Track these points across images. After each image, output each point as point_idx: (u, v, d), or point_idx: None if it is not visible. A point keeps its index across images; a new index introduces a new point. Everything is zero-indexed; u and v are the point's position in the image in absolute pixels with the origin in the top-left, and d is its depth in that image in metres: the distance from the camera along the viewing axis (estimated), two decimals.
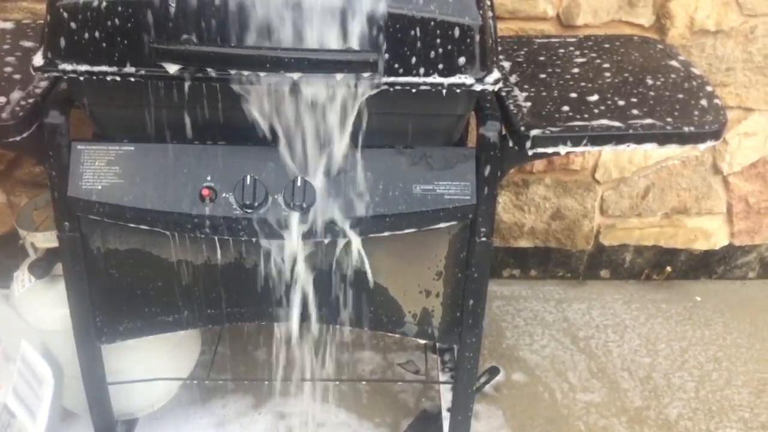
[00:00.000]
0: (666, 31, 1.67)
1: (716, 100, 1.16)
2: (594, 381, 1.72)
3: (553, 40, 1.41)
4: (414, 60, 0.99)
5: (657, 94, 1.18)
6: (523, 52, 1.35)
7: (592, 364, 1.77)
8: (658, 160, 1.86)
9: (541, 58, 1.32)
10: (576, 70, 1.27)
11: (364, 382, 1.69)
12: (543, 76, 1.25)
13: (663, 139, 1.11)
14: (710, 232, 1.99)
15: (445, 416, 1.51)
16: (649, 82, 1.22)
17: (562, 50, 1.36)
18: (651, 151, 1.76)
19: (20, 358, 0.94)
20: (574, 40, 1.40)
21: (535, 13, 1.65)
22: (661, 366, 1.77)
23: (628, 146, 1.10)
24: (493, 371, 1.72)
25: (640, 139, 1.10)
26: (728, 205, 1.95)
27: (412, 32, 0.97)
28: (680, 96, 1.17)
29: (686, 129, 1.10)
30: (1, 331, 0.90)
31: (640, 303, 1.98)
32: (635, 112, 1.13)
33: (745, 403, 1.67)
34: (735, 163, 1.88)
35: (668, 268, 2.04)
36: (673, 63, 1.29)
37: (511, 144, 1.12)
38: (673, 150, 1.81)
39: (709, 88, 1.20)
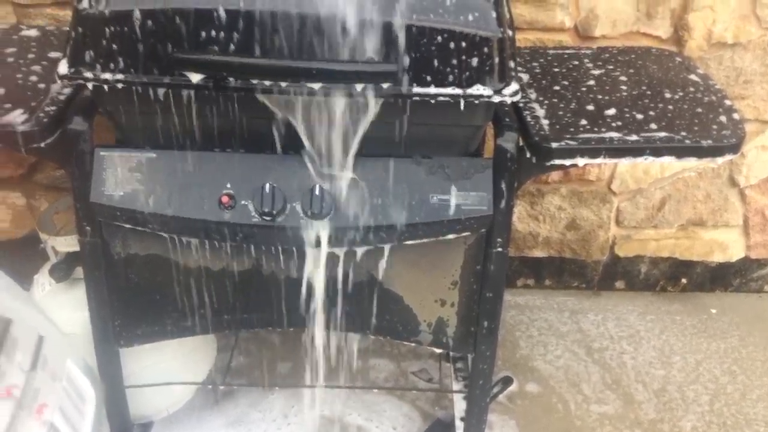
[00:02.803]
0: (684, 43, 1.67)
1: (735, 115, 1.16)
2: (608, 393, 1.72)
3: (569, 51, 1.42)
4: (433, 71, 1.00)
5: (675, 108, 1.18)
6: (538, 63, 1.36)
7: (607, 375, 1.77)
8: (675, 172, 1.85)
9: (557, 70, 1.33)
10: (592, 82, 1.27)
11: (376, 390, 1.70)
12: (559, 88, 1.26)
13: (681, 152, 1.11)
14: (726, 245, 1.98)
15: (459, 425, 1.51)
16: (668, 95, 1.22)
17: (576, 62, 1.36)
18: (668, 163, 1.76)
19: (66, 377, 0.96)
20: (589, 51, 1.41)
21: (553, 24, 1.65)
22: (676, 378, 1.76)
23: (645, 159, 1.11)
24: (507, 381, 1.72)
25: (657, 152, 1.10)
26: (744, 217, 1.94)
27: (432, 44, 0.98)
28: (699, 110, 1.17)
29: (704, 143, 1.11)
30: (48, 351, 0.92)
31: (655, 315, 1.97)
32: (653, 126, 1.13)
33: (761, 417, 1.66)
34: (752, 175, 1.87)
35: (683, 280, 2.03)
36: (692, 77, 1.29)
37: (528, 155, 1.12)
38: (690, 162, 1.80)
39: (728, 102, 1.20)
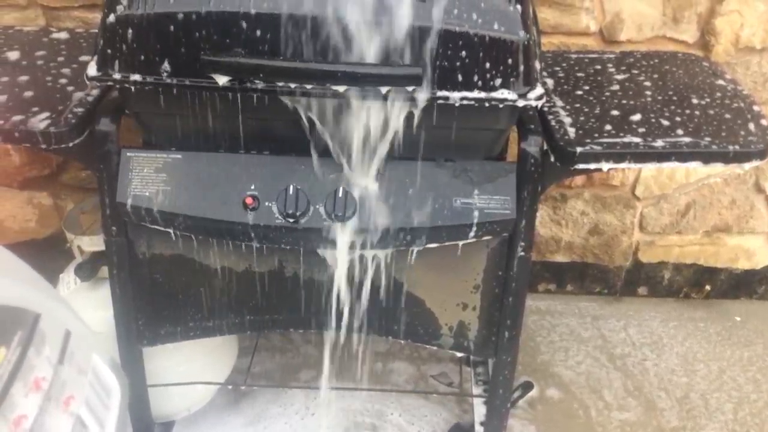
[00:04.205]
0: (710, 47, 1.66)
1: (763, 121, 1.15)
2: (630, 399, 1.70)
3: (591, 55, 1.40)
4: (458, 75, 1.00)
5: (702, 114, 1.17)
6: (561, 68, 1.35)
7: (628, 382, 1.75)
8: (700, 178, 1.83)
9: (580, 74, 1.32)
10: (616, 87, 1.26)
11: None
12: (582, 92, 1.25)
13: (707, 157, 1.10)
14: (752, 252, 1.96)
15: (478, 430, 1.51)
16: (695, 101, 1.21)
17: (599, 66, 1.35)
18: (693, 168, 1.74)
19: (91, 371, 0.98)
20: (612, 56, 1.40)
21: (578, 28, 1.64)
22: (699, 386, 1.74)
23: (671, 164, 1.10)
24: (527, 386, 1.71)
25: (683, 157, 1.09)
26: None
27: (457, 47, 0.98)
28: (727, 116, 1.16)
29: (731, 148, 1.09)
30: (75, 345, 0.94)
31: (678, 321, 1.95)
32: (679, 131, 1.12)
33: None
34: None
35: (707, 287, 2.01)
36: (720, 82, 1.27)
37: (552, 159, 1.12)
38: (716, 168, 1.79)
39: (756, 108, 1.18)
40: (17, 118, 1.09)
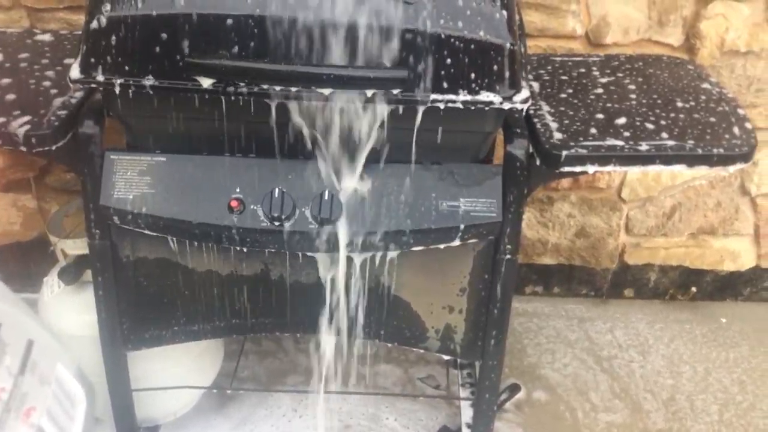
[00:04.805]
0: (696, 51, 1.66)
1: (747, 124, 1.15)
2: (616, 401, 1.71)
3: (575, 58, 1.41)
4: (444, 78, 1.00)
5: (687, 117, 1.17)
6: (546, 71, 1.35)
7: (615, 384, 1.76)
8: (685, 180, 1.84)
9: (565, 78, 1.32)
10: (600, 90, 1.26)
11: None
12: (567, 96, 1.25)
13: (691, 161, 1.10)
14: (737, 254, 1.97)
15: None
16: (679, 104, 1.21)
17: (584, 69, 1.35)
18: (679, 171, 1.75)
19: (55, 380, 0.96)
20: (597, 59, 1.40)
21: (564, 32, 1.65)
22: (685, 388, 1.75)
23: (656, 167, 1.10)
24: (514, 389, 1.71)
25: (668, 160, 1.09)
26: (756, 226, 1.93)
27: (443, 50, 0.98)
28: (711, 119, 1.17)
29: (715, 151, 1.10)
30: (38, 355, 0.93)
31: (664, 323, 1.96)
32: (664, 135, 1.12)
33: None
34: (763, 184, 1.86)
35: (693, 289, 2.02)
36: (705, 85, 1.28)
37: (538, 162, 1.12)
38: (701, 171, 1.80)
39: (741, 111, 1.19)
40: None
